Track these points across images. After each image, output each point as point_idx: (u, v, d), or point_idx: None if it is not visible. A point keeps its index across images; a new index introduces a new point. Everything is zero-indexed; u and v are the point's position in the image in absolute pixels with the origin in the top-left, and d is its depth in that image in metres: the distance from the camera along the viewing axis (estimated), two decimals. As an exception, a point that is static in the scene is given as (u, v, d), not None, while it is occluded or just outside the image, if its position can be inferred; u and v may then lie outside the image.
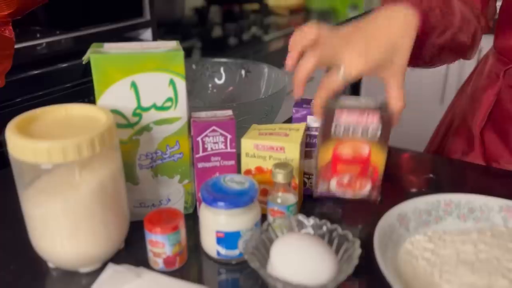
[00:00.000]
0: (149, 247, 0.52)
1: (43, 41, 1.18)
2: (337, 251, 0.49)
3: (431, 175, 0.73)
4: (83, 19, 1.24)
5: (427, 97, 2.02)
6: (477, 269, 0.45)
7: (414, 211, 0.53)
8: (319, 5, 2.30)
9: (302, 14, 2.03)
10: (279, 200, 0.56)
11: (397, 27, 0.54)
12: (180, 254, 0.52)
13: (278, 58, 1.13)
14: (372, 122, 0.50)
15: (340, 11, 2.30)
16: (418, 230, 0.52)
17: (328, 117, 0.51)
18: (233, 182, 0.54)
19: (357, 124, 0.50)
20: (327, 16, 2.28)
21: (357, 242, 0.47)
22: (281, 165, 0.56)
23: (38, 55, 1.18)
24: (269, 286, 0.47)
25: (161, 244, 0.50)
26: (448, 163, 0.80)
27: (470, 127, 0.78)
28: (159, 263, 0.52)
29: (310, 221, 0.52)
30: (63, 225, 0.50)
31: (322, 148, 0.53)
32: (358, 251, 0.46)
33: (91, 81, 0.55)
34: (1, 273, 0.53)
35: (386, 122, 0.50)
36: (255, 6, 1.98)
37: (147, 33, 1.42)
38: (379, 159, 0.52)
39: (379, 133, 0.50)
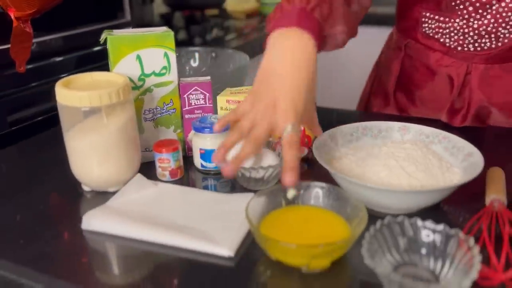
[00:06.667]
0: (158, 164, 0.74)
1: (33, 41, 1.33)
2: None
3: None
4: (69, 20, 1.37)
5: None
6: (381, 158, 0.68)
7: (341, 133, 0.76)
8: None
9: (258, 17, 2.26)
10: None
11: (298, 66, 0.55)
12: (180, 168, 0.75)
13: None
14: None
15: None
16: (344, 145, 0.76)
17: None
18: (215, 119, 0.77)
19: None
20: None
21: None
22: None
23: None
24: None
25: (167, 160, 0.72)
26: (371, 115, 1.06)
27: (386, 88, 1.03)
28: (166, 175, 0.73)
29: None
30: (96, 155, 0.70)
31: None
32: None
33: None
34: (48, 197, 0.73)
35: None
36: (214, 11, 2.20)
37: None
38: (310, 133, 0.80)
39: None
